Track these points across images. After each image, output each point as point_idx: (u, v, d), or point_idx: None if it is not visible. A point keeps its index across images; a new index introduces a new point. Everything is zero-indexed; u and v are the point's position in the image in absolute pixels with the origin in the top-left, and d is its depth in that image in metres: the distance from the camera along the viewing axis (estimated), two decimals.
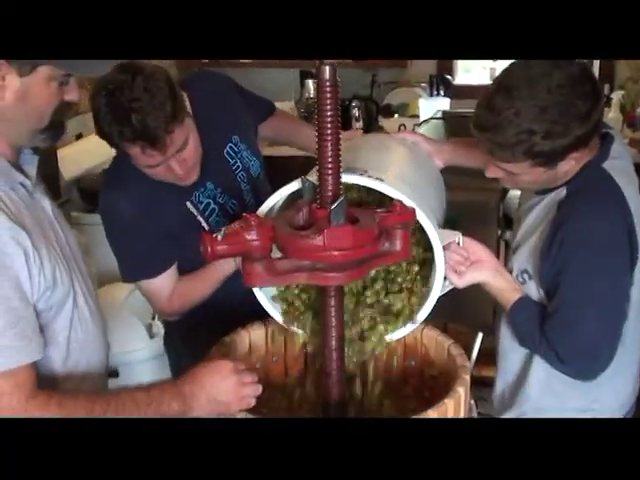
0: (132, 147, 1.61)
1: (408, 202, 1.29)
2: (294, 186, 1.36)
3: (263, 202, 1.41)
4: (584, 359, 1.50)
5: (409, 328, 1.47)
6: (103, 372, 1.44)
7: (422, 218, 1.34)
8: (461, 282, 1.50)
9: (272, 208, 1.42)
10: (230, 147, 1.90)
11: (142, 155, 1.62)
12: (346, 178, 1.29)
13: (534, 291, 1.58)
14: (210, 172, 1.82)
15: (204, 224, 1.83)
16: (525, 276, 1.59)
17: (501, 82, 1.46)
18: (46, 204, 1.39)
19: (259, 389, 1.30)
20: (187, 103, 1.69)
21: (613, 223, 1.47)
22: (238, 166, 1.91)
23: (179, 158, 1.66)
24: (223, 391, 1.26)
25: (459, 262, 1.49)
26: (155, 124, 1.55)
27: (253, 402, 1.29)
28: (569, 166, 1.49)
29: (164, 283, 1.82)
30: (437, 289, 1.43)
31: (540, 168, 1.47)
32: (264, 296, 1.49)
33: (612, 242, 1.47)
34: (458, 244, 1.48)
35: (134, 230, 1.76)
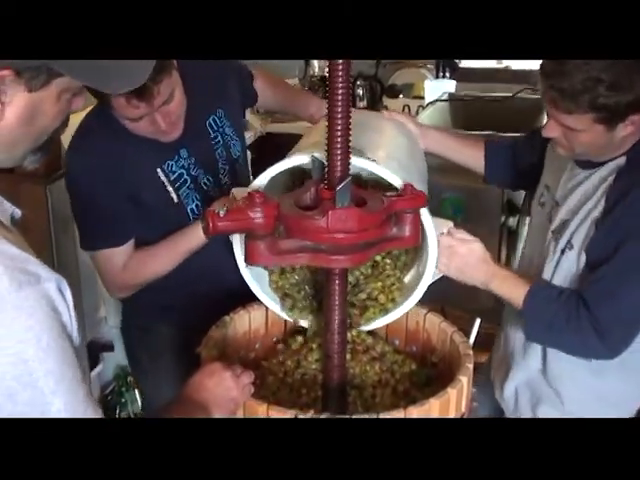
0: (117, 97, 1.52)
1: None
2: (292, 162, 1.33)
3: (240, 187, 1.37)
4: (621, 331, 1.48)
5: (391, 317, 1.48)
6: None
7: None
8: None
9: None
10: (213, 119, 1.82)
11: (127, 106, 1.54)
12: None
13: (573, 261, 1.55)
14: (187, 139, 1.72)
15: (173, 194, 1.74)
16: (567, 246, 1.57)
17: None
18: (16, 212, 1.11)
19: (252, 375, 1.31)
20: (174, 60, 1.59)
21: None
22: (218, 141, 1.82)
23: (164, 111, 1.59)
24: (227, 388, 1.27)
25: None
26: None
27: (252, 389, 1.30)
28: (626, 132, 1.47)
29: (121, 253, 1.72)
30: (428, 277, 1.42)
31: (600, 126, 1.45)
32: (257, 285, 1.48)
33: None
34: (449, 233, 1.46)
35: (98, 192, 1.66)
